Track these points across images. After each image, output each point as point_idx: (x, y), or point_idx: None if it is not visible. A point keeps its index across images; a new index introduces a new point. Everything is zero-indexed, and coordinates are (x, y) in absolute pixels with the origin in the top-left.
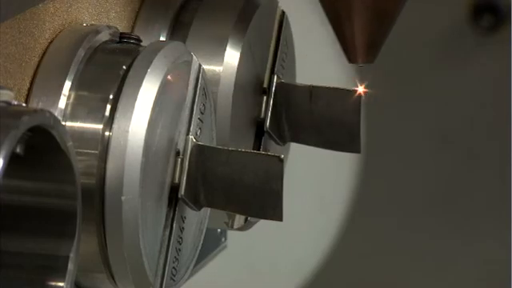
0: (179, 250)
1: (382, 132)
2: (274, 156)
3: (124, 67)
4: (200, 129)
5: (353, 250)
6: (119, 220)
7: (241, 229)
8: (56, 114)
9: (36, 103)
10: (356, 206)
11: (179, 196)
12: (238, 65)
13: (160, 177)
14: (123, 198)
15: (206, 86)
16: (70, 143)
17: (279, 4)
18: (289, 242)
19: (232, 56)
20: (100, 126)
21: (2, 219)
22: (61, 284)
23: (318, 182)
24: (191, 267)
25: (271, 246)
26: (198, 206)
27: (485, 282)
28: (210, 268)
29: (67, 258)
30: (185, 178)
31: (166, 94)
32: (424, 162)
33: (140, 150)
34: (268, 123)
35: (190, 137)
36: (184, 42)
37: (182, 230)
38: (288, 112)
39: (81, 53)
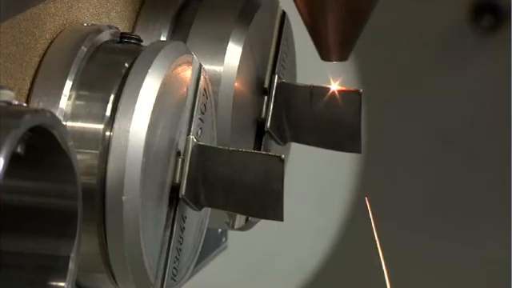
0: (180, 249)
1: (382, 132)
2: (274, 156)
3: (125, 67)
4: (201, 129)
5: (353, 250)
6: (120, 220)
7: (241, 229)
8: (57, 114)
9: (37, 103)
10: (356, 206)
11: (180, 196)
12: (239, 65)
13: (161, 177)
14: (124, 197)
15: (206, 86)
16: (70, 143)
17: (280, 4)
18: (289, 242)
19: (233, 56)
20: (101, 126)
21: (2, 219)
22: (62, 284)
23: (318, 182)
24: (192, 267)
25: (272, 246)
26: (198, 205)
27: (485, 282)
28: (211, 268)
29: (68, 258)
30: (185, 178)
31: (167, 94)
32: (424, 162)
33: (141, 150)
34: (269, 123)
35: (191, 137)
36: (185, 41)
37: (182, 229)
38: (289, 112)
39: (82, 53)
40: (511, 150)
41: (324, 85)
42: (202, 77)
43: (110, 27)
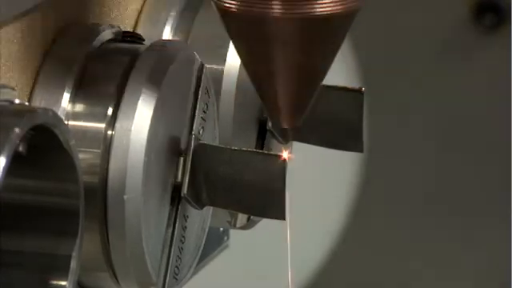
0: (182, 248)
1: (383, 131)
2: (276, 155)
3: (127, 66)
4: (203, 128)
5: (354, 249)
6: (122, 219)
7: (243, 228)
8: (59, 113)
9: (39, 102)
10: (358, 205)
11: (182, 195)
12: (241, 64)
13: (162, 176)
14: (126, 196)
15: (208, 85)
16: (72, 142)
17: None
18: (291, 240)
19: (235, 55)
20: (103, 125)
21: (4, 218)
22: (63, 283)
23: (320, 181)
24: (194, 266)
25: (273, 246)
26: (200, 204)
27: (485, 282)
28: (212, 267)
29: (70, 256)
30: (187, 177)
31: (169, 93)
32: (425, 162)
33: (142, 149)
34: (271, 122)
35: (193, 136)
36: (186, 40)
37: (184, 228)
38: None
39: (84, 52)
40: (511, 150)
41: (326, 84)
42: (203, 76)
43: (111, 26)
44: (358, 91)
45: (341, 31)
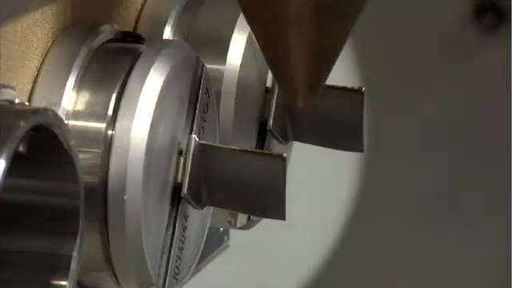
0: (182, 249)
1: (383, 131)
2: (276, 155)
3: (127, 66)
4: (203, 128)
5: (355, 249)
6: (122, 219)
7: (243, 228)
8: (59, 113)
9: (39, 102)
10: (358, 205)
11: (182, 195)
12: (241, 64)
13: (162, 176)
14: (126, 197)
15: (208, 85)
16: (72, 142)
17: None
18: (291, 241)
19: (235, 55)
20: (103, 125)
21: (4, 218)
22: (63, 283)
23: (320, 181)
24: (194, 266)
25: (274, 246)
26: (200, 204)
27: (485, 282)
28: (213, 267)
29: (70, 256)
30: (187, 177)
31: (169, 93)
32: (425, 162)
33: (143, 149)
34: (271, 122)
35: (193, 136)
36: (187, 40)
37: (184, 229)
38: (291, 111)
39: (83, 52)
40: (511, 150)
41: (326, 83)
42: (204, 76)
43: (111, 26)
44: (358, 91)
45: (355, 10)
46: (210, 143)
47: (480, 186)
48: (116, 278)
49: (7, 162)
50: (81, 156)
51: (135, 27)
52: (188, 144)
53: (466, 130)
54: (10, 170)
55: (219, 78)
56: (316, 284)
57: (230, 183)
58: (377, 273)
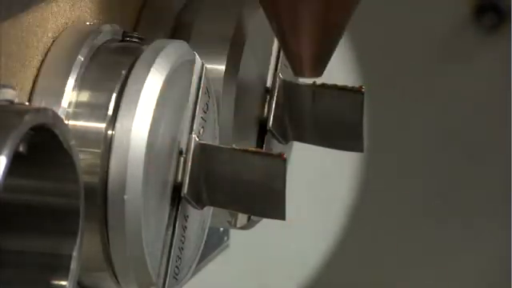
0: (182, 248)
1: (383, 131)
2: (276, 155)
3: (127, 66)
4: (203, 128)
5: (355, 249)
6: (122, 219)
7: (243, 228)
8: (59, 113)
9: (39, 102)
10: (358, 205)
11: (182, 195)
12: (241, 64)
13: (163, 176)
14: (126, 197)
15: (208, 85)
16: (72, 142)
17: None
18: (291, 241)
19: (235, 55)
20: (103, 125)
21: (4, 218)
22: (63, 283)
23: (320, 180)
24: (194, 266)
25: (274, 246)
26: (200, 204)
27: (485, 282)
28: (213, 267)
29: (70, 256)
30: (187, 177)
31: (169, 93)
32: (425, 162)
33: (143, 149)
34: (271, 122)
35: (193, 136)
36: (187, 41)
37: (184, 228)
38: (291, 111)
39: (84, 52)
40: (511, 149)
41: (326, 83)
42: (203, 76)
43: (111, 26)
44: (358, 91)
45: None
46: (210, 143)
47: (480, 185)
48: (116, 277)
49: (7, 162)
50: (81, 156)
51: (135, 27)
52: (188, 144)
53: (466, 130)
54: (10, 170)
55: (219, 78)
56: (316, 284)
57: (230, 183)
58: (377, 273)
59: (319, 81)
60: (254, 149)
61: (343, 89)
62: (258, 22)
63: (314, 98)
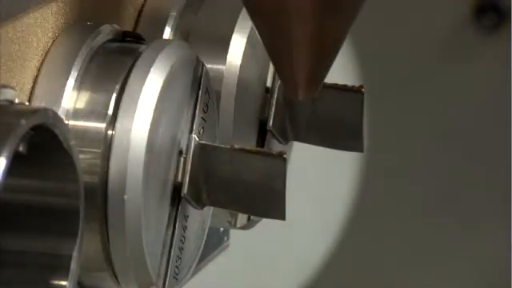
0: (182, 248)
1: (383, 131)
2: (277, 155)
3: (127, 66)
4: (203, 128)
5: (355, 249)
6: (122, 219)
7: (243, 228)
8: (59, 113)
9: (39, 102)
10: (358, 205)
11: (182, 195)
12: (241, 64)
13: (163, 176)
14: (126, 196)
15: (208, 85)
16: (72, 142)
17: None
18: (291, 240)
19: (235, 55)
20: (103, 125)
21: (4, 218)
22: (64, 283)
23: (320, 181)
24: (194, 266)
25: (274, 245)
26: (200, 204)
27: (485, 282)
28: (213, 267)
29: (70, 256)
30: (187, 177)
31: (169, 93)
32: (425, 162)
33: (143, 149)
34: (271, 122)
35: (193, 136)
36: (187, 40)
37: (184, 228)
38: (291, 111)
39: (84, 51)
40: (511, 149)
41: (326, 83)
42: (204, 76)
43: (111, 26)
44: (358, 91)
45: (356, 2)
46: (210, 143)
47: (480, 185)
48: (116, 277)
49: (7, 162)
50: (81, 156)
51: (135, 27)
52: (188, 144)
53: (465, 130)
54: (10, 170)
55: (219, 78)
56: (316, 284)
57: (230, 183)
58: (377, 273)
59: None
60: (254, 148)
61: (343, 88)
62: None
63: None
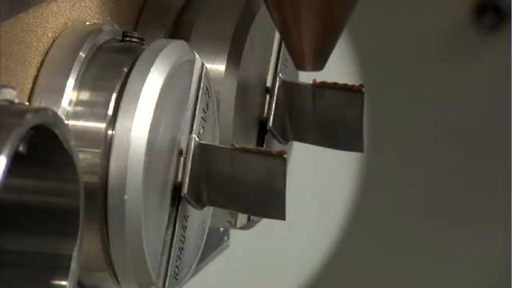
0: (182, 248)
1: (383, 131)
2: (277, 155)
3: (127, 66)
4: (203, 128)
5: (355, 249)
6: (122, 219)
7: (243, 228)
8: (59, 113)
9: (39, 102)
10: (358, 205)
11: (182, 195)
12: (241, 64)
13: (163, 176)
14: (126, 196)
15: (208, 85)
16: (72, 142)
17: None
18: (291, 240)
19: (235, 55)
20: (103, 125)
21: (4, 218)
22: (64, 283)
23: (320, 181)
24: (194, 266)
25: (274, 245)
26: (200, 204)
27: (485, 282)
28: (213, 267)
29: (70, 256)
30: (187, 177)
31: (169, 93)
32: (425, 162)
33: (143, 149)
34: (271, 122)
35: (193, 136)
36: (187, 40)
37: (184, 228)
38: (291, 111)
39: (84, 52)
40: (511, 150)
41: (326, 82)
42: (204, 76)
43: (112, 26)
44: (358, 91)
45: None
46: (210, 143)
47: (480, 186)
48: (116, 277)
49: (7, 162)
50: (81, 156)
51: (135, 27)
52: (188, 144)
53: (466, 130)
54: (10, 170)
55: (219, 78)
56: (316, 284)
57: (230, 183)
58: (377, 273)
59: (319, 78)
60: (254, 148)
61: (343, 88)
62: (257, 22)
63: (313, 97)
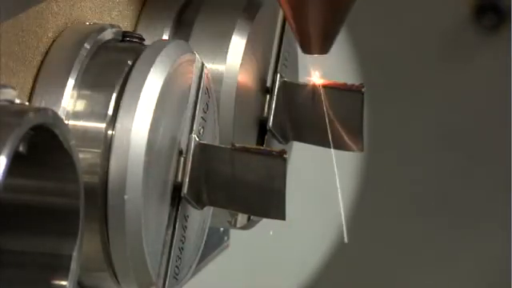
0: (182, 249)
1: (383, 131)
2: (277, 155)
3: (127, 66)
4: (203, 128)
5: (355, 249)
6: (122, 219)
7: (243, 228)
8: (59, 113)
9: (39, 102)
10: (358, 205)
11: (182, 195)
12: (241, 64)
13: (163, 176)
14: (126, 196)
15: (209, 85)
16: (72, 142)
17: None
18: (291, 241)
19: (235, 55)
20: (103, 125)
21: (4, 218)
22: (64, 283)
23: (320, 181)
24: (194, 266)
25: (274, 245)
26: (200, 204)
27: (485, 282)
28: (213, 267)
29: (70, 256)
30: (187, 177)
31: (169, 93)
32: (425, 162)
33: (143, 149)
34: (271, 122)
35: (193, 136)
36: (187, 40)
37: (184, 228)
38: (291, 111)
39: (84, 51)
40: (511, 150)
41: (326, 82)
42: (204, 75)
43: (112, 26)
44: (358, 90)
45: None
46: (210, 143)
47: (480, 185)
48: (116, 277)
49: (7, 162)
50: (81, 156)
51: (135, 27)
52: (188, 144)
53: (466, 130)
54: (10, 170)
55: (219, 78)
56: (316, 284)
57: (230, 183)
58: (377, 273)
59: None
60: (254, 147)
61: (343, 87)
62: (257, 23)
63: (313, 97)
